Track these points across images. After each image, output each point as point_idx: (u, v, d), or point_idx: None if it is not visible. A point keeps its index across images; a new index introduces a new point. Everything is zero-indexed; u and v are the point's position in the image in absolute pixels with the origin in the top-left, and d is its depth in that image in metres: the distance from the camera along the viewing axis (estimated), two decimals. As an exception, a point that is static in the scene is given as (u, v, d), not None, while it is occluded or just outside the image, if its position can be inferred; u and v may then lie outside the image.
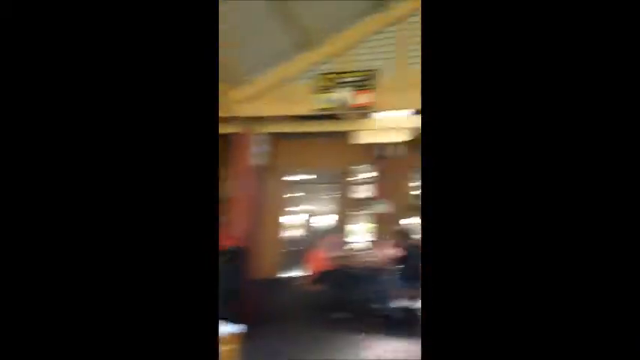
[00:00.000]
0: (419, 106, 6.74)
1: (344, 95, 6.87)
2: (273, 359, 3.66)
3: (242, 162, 6.34)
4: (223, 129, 5.44)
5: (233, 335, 2.89)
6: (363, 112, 7.05)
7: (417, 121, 7.16)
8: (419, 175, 9.72)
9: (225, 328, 2.84)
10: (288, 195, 9.35)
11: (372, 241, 8.29)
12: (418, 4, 7.10)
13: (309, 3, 6.78)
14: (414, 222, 9.88)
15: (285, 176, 8.84)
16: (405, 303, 4.92)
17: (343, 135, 7.69)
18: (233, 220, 5.83)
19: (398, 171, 8.57)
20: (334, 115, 7.01)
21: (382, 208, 8.36)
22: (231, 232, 5.40)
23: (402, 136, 7.46)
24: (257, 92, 6.28)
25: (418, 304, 5.09)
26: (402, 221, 8.27)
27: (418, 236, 8.62)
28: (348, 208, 9.12)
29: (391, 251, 5.09)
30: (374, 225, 8.57)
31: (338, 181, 9.40)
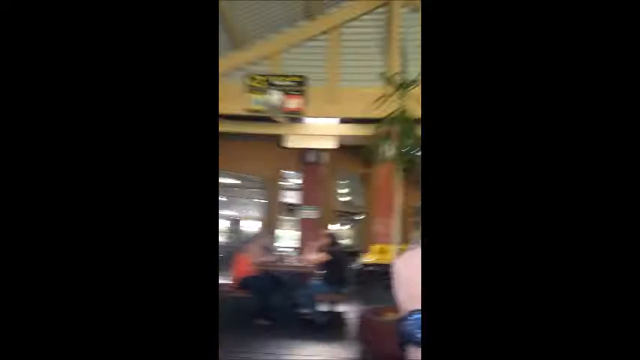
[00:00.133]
0: (345, 115, 6.99)
1: (274, 98, 6.83)
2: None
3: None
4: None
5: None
6: (293, 116, 7.09)
7: (343, 129, 7.38)
8: (344, 182, 10.06)
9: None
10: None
11: (298, 246, 8.29)
12: (350, 15, 7.33)
13: (244, 3, 6.70)
14: (339, 228, 10.11)
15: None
16: (329, 307, 4.96)
17: (272, 138, 7.63)
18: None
19: (325, 177, 8.69)
20: (264, 117, 6.94)
21: (309, 213, 8.41)
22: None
23: (330, 143, 7.59)
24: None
25: (342, 308, 5.18)
26: (329, 227, 8.39)
27: (344, 242, 8.86)
28: (275, 213, 9.05)
29: (317, 256, 5.11)
30: (300, 230, 8.59)
31: (264, 186, 9.30)
